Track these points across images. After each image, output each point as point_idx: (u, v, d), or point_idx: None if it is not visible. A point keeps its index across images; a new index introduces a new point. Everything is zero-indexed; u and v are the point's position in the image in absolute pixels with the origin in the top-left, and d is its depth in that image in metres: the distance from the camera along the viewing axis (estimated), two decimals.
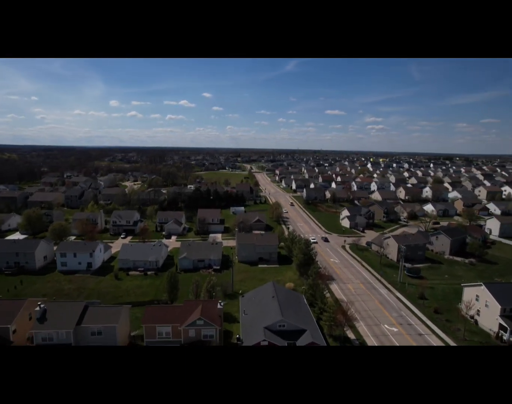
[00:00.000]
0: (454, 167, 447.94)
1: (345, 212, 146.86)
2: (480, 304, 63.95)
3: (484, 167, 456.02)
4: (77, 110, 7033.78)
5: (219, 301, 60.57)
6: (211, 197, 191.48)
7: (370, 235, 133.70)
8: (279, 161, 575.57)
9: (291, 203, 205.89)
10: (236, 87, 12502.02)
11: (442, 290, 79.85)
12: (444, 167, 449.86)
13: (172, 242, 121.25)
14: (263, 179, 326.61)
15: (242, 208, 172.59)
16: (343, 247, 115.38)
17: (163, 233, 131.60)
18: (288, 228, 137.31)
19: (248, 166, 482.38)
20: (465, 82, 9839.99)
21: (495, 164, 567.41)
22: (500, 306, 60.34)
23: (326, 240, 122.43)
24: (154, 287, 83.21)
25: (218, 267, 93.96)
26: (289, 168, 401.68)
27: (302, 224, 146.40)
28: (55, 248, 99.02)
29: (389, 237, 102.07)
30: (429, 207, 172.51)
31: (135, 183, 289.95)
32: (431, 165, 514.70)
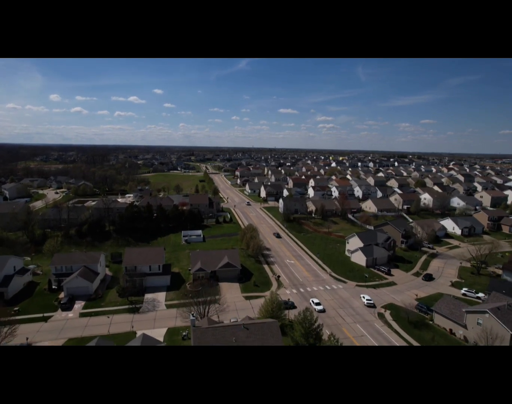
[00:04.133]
0: (423, 166, 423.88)
1: (355, 241, 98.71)
2: None
3: (451, 166, 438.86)
4: (11, 104, 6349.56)
5: None
6: (155, 215, 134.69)
7: (399, 278, 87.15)
8: (236, 159, 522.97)
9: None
10: (189, 84, 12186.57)
11: None
12: (413, 166, 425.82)
13: (73, 321, 64.87)
14: (222, 182, 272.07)
15: (200, 233, 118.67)
16: (382, 316, 66.68)
17: (61, 296, 74.06)
18: (279, 277, 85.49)
19: (203, 166, 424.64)
20: (405, 85, 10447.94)
21: (454, 162, 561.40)
22: None
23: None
24: None
25: None
26: (250, 168, 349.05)
27: (294, 262, 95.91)
28: None
29: (485, 313, 54.81)
30: (448, 223, 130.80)
31: (58, 191, 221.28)
32: (396, 163, 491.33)
